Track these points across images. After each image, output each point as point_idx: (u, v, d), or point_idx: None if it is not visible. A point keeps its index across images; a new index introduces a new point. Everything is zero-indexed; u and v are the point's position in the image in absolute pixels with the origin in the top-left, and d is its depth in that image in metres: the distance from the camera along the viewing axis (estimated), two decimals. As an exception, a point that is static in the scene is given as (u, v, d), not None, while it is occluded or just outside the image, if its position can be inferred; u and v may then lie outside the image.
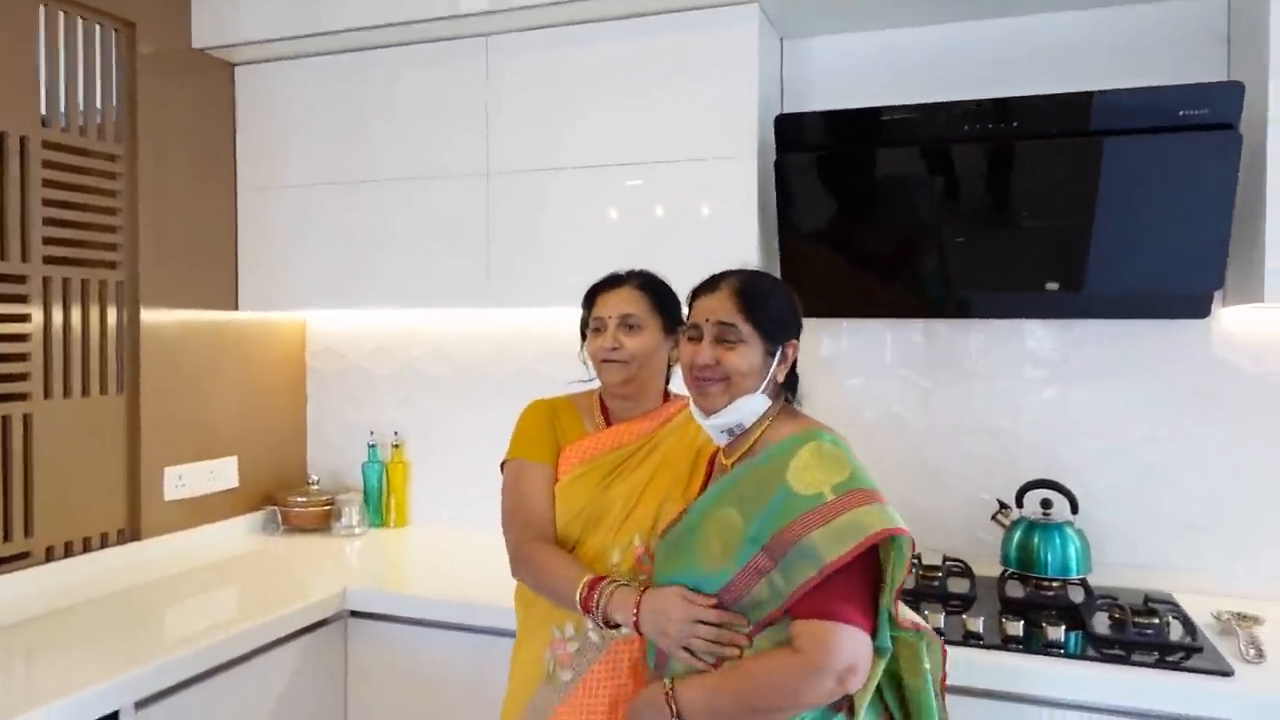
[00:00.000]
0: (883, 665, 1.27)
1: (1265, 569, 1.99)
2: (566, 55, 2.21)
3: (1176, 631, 1.72)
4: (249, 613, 1.88)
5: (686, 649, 1.30)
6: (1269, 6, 1.73)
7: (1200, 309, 1.94)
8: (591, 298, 1.61)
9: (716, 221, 2.10)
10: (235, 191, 2.56)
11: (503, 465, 1.64)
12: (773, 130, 2.07)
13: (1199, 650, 1.65)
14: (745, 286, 1.36)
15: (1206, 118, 1.74)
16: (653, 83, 2.14)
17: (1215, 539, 2.03)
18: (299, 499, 2.61)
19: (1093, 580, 1.96)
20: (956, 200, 1.96)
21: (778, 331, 1.35)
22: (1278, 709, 1.49)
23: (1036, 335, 2.16)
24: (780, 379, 1.37)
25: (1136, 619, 1.73)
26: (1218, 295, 1.95)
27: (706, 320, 1.35)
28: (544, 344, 2.57)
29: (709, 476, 1.48)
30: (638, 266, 1.62)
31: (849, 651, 1.19)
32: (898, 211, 2.01)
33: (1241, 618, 1.79)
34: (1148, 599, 1.84)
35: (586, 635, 1.49)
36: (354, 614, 2.07)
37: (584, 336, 1.62)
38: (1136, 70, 2.06)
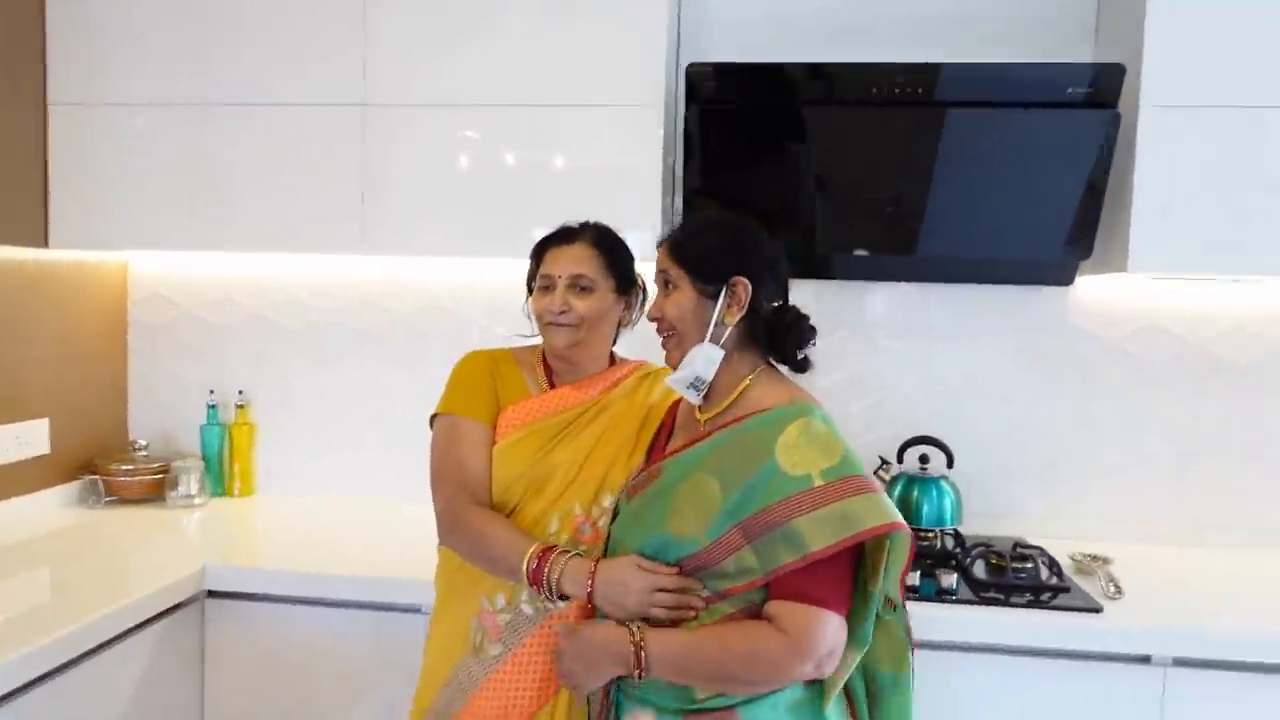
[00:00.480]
0: (860, 656, 1.25)
1: (1107, 513, 2.20)
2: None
3: (1045, 574, 1.86)
4: (84, 600, 1.61)
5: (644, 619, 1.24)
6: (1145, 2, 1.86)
7: (1067, 277, 2.09)
8: (540, 251, 1.48)
9: (619, 171, 2.01)
10: (45, 108, 2.17)
11: (432, 419, 1.50)
12: (674, 79, 2.01)
13: (1067, 590, 1.80)
14: (674, 230, 1.31)
15: (1090, 96, 1.86)
16: (557, 19, 2.01)
17: (1065, 488, 2.22)
18: (125, 466, 2.30)
19: (962, 530, 2.09)
20: (846, 162, 1.99)
21: (711, 269, 1.27)
22: (1142, 639, 1.65)
23: (912, 298, 2.26)
24: (731, 321, 1.27)
25: (1013, 564, 1.86)
26: (1082, 264, 2.10)
27: (658, 275, 1.31)
28: (420, 296, 2.39)
29: (670, 431, 1.42)
30: (590, 218, 1.51)
31: (831, 637, 1.17)
32: (792, 171, 2.02)
33: (1094, 558, 1.97)
34: (1017, 545, 1.98)
35: (519, 607, 1.39)
36: (211, 594, 1.85)
37: (530, 290, 1.50)
38: (1013, 45, 2.16)
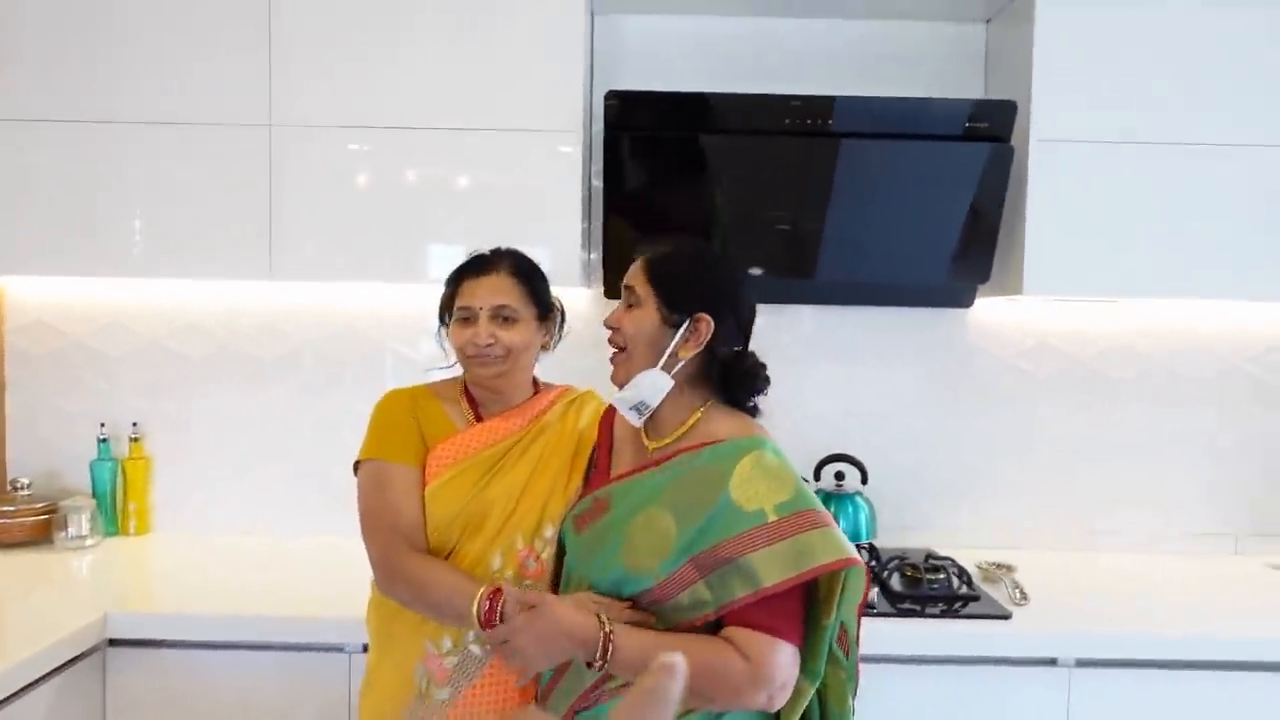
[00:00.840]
0: (813, 689, 1.26)
1: (1007, 522, 2.33)
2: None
3: (956, 584, 1.95)
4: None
5: None
6: (1031, 39, 1.99)
7: (967, 300, 2.21)
8: (456, 281, 1.45)
9: (536, 197, 2.01)
10: (-90, 122, 2.01)
11: (356, 466, 1.45)
12: (589, 105, 2.03)
13: (976, 598, 1.89)
14: (654, 251, 1.32)
15: (984, 131, 1.98)
16: (472, 42, 1.99)
17: (968, 499, 2.34)
18: (5, 508, 2.14)
19: (876, 544, 2.17)
20: (749, 189, 2.04)
21: (680, 298, 1.28)
22: (1049, 642, 1.75)
23: (822, 320, 2.33)
24: (685, 355, 1.28)
25: (927, 575, 1.94)
26: (980, 287, 2.22)
27: (623, 286, 1.32)
28: (326, 322, 2.32)
29: (608, 449, 1.41)
30: (503, 245, 1.49)
31: (786, 668, 1.19)
32: (705, 197, 2.06)
33: (999, 566, 2.08)
34: (928, 556, 2.06)
35: (467, 648, 1.36)
36: (113, 643, 1.73)
37: (443, 320, 1.47)
38: (907, 80, 2.27)
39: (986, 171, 1.99)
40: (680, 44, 2.29)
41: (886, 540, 2.25)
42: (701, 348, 1.29)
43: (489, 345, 1.39)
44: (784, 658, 1.18)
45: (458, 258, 2.00)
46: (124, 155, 2.01)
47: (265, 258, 2.02)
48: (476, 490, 1.39)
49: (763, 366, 1.34)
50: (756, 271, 2.12)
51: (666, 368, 1.29)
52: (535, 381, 1.54)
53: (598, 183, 2.21)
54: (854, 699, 1.29)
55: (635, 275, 1.32)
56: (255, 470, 2.33)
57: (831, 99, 1.97)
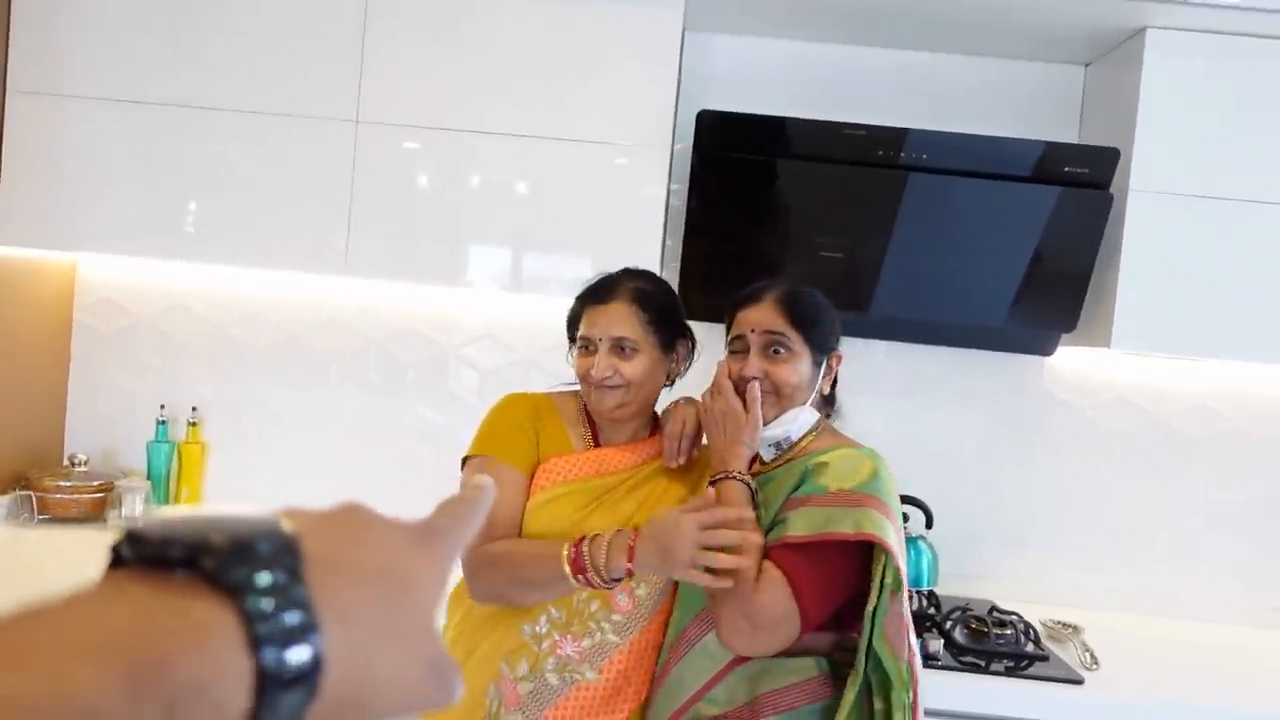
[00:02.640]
0: (854, 690, 1.22)
1: (1072, 580, 2.25)
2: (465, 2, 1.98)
3: (1022, 641, 1.88)
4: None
5: (705, 570, 1.16)
6: (1138, 86, 1.94)
7: (1049, 348, 2.14)
8: (581, 305, 1.40)
9: (617, 212, 1.98)
10: (3, 95, 2.02)
11: (464, 461, 1.40)
12: (678, 121, 2.00)
13: (1045, 659, 1.82)
14: (791, 295, 1.32)
15: (1085, 176, 1.92)
16: (565, 51, 1.97)
17: (1031, 553, 2.27)
18: (62, 483, 2.13)
19: (936, 591, 2.11)
20: (848, 219, 2.01)
21: (824, 341, 1.34)
22: (1122, 712, 1.68)
23: (901, 356, 2.28)
24: (825, 390, 1.36)
25: (994, 629, 1.87)
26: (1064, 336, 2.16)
27: (752, 331, 1.31)
28: (393, 323, 2.30)
29: None
30: (633, 264, 1.43)
31: (780, 614, 1.17)
32: (793, 224, 2.03)
33: (1064, 625, 2.01)
34: (993, 610, 2.00)
35: (544, 675, 1.30)
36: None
37: (572, 338, 1.42)
38: (999, 118, 2.23)
39: (1082, 219, 1.94)
40: (769, 67, 2.26)
41: (946, 588, 2.19)
42: (835, 381, 1.37)
43: (607, 378, 1.34)
44: (781, 602, 1.17)
45: (536, 268, 2.02)
46: (205, 140, 2.00)
47: (342, 253, 2.00)
48: (579, 515, 1.33)
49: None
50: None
51: (813, 403, 1.34)
52: (655, 416, 1.48)
53: (675, 202, 2.18)
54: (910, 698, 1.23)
55: (776, 321, 1.30)
56: (310, 466, 2.32)
57: (932, 134, 1.93)
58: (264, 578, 0.32)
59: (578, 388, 1.43)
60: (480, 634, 1.34)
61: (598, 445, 1.41)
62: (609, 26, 1.97)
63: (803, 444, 1.34)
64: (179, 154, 2.01)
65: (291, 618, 0.32)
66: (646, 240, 1.98)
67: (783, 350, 1.30)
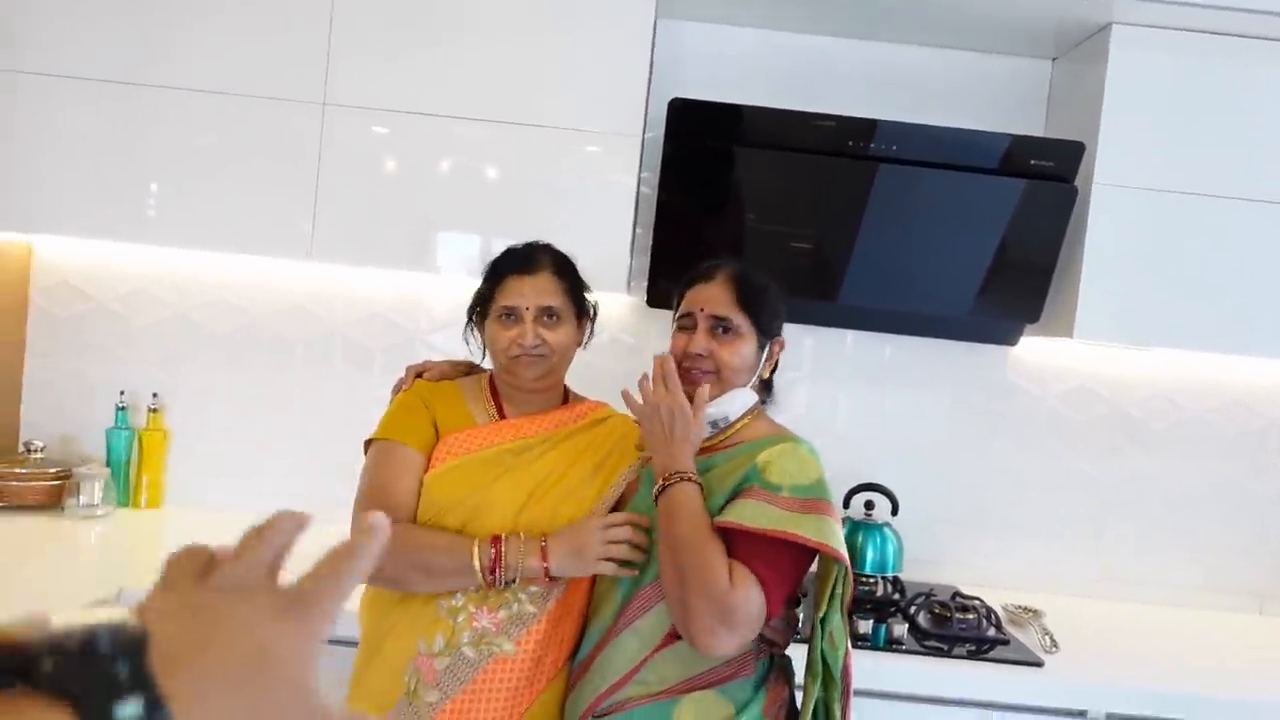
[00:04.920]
0: (816, 686, 1.28)
1: (1032, 565, 2.30)
2: (434, -14, 1.95)
3: (984, 625, 1.92)
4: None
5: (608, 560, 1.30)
6: (1103, 80, 1.97)
7: (1012, 338, 2.18)
8: (497, 278, 1.41)
9: (587, 199, 1.98)
10: (-44, 70, 1.96)
11: (366, 446, 1.42)
12: (650, 110, 2.00)
13: (1006, 642, 1.86)
14: (743, 277, 1.33)
15: (1050, 169, 1.95)
16: (537, 35, 1.95)
17: (992, 539, 2.31)
18: (19, 470, 2.09)
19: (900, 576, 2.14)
20: (818, 209, 2.02)
21: (770, 326, 1.35)
22: (1080, 694, 1.72)
23: (867, 344, 2.30)
24: (766, 375, 1.38)
25: (956, 614, 1.91)
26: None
27: (701, 310, 1.32)
28: (358, 309, 2.28)
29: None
30: (539, 239, 1.46)
31: (753, 610, 1.19)
32: (763, 213, 2.03)
33: (1025, 610, 2.05)
34: (956, 595, 2.03)
35: (459, 650, 1.31)
36: (126, 620, 1.69)
37: (471, 316, 1.45)
38: (964, 111, 2.24)
39: (1047, 211, 1.96)
40: (741, 56, 2.26)
41: (910, 574, 2.22)
42: (774, 366, 1.38)
43: (536, 346, 1.36)
44: (755, 599, 1.19)
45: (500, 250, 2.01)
46: (167, 121, 1.96)
47: (307, 238, 1.97)
48: (480, 484, 1.35)
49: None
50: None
51: (753, 386, 1.36)
52: (566, 390, 1.52)
53: (646, 190, 2.17)
54: (841, 707, 1.30)
55: (724, 303, 1.32)
56: (272, 452, 2.29)
57: (902, 125, 1.95)
58: (102, 677, 0.31)
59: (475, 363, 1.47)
60: (396, 613, 1.34)
61: (503, 418, 1.43)
62: (581, 12, 1.95)
63: (738, 426, 1.35)
64: (140, 134, 1.97)
65: (130, 710, 0.31)
66: (616, 228, 1.98)
67: (729, 332, 1.32)
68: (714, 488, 1.29)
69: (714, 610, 1.18)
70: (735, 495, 1.26)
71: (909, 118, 2.06)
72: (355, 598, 1.42)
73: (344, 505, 2.16)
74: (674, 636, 1.27)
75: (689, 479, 1.26)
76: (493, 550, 1.27)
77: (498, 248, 1.97)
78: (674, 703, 1.26)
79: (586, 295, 1.47)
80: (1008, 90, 2.26)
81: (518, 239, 2.00)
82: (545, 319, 1.38)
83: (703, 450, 1.33)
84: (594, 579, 1.40)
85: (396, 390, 1.50)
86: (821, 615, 1.28)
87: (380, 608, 1.37)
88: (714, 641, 1.20)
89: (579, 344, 1.47)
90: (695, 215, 2.04)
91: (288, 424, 2.29)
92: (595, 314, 1.50)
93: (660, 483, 1.27)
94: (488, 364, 1.48)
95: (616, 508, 1.41)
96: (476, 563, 1.27)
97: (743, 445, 1.32)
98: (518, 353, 1.37)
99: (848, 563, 1.25)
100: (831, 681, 1.29)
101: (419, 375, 1.50)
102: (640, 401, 1.31)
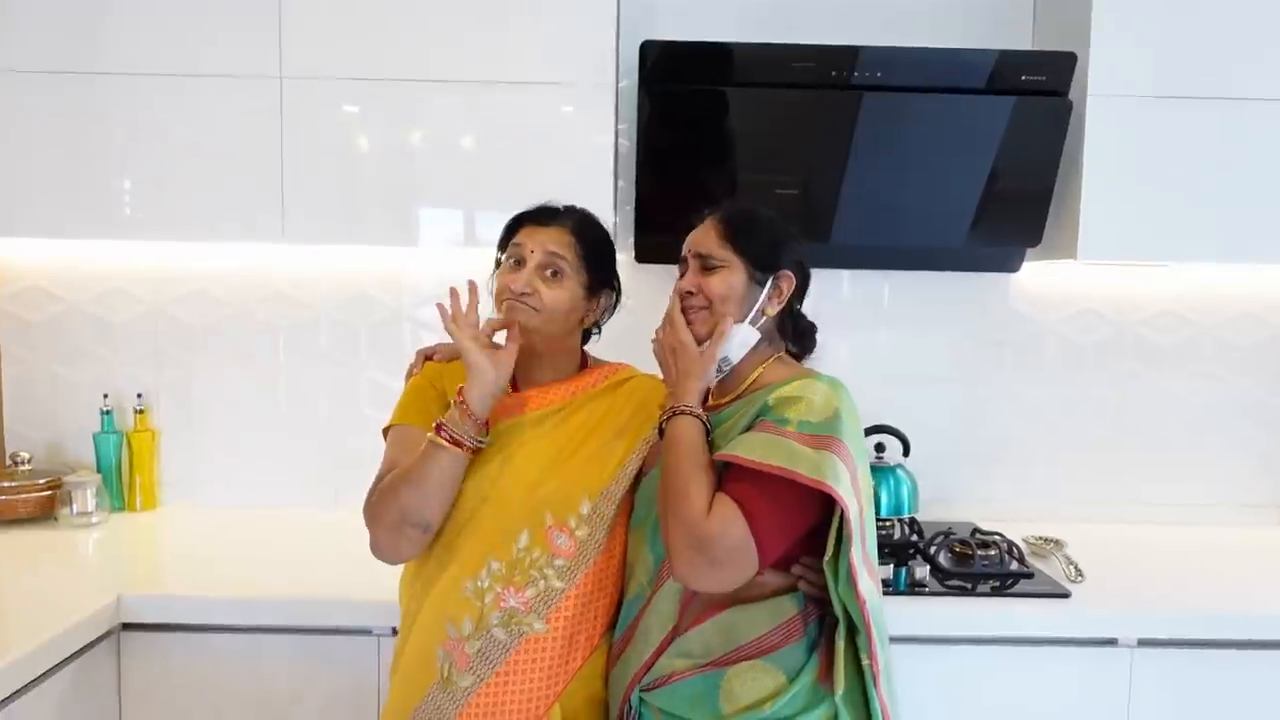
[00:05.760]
0: (841, 636, 1.22)
1: (1050, 494, 2.25)
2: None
3: (1007, 560, 1.87)
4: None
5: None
6: (1091, -15, 1.88)
7: (1014, 265, 2.11)
8: (516, 224, 1.36)
9: (563, 155, 1.89)
10: (-107, 73, 1.87)
11: (384, 431, 1.39)
12: (620, 56, 1.91)
13: (1030, 575, 1.81)
14: (728, 214, 1.30)
15: (1043, 84, 1.86)
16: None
17: (1008, 472, 2.26)
18: (6, 483, 2.03)
19: (917, 517, 2.09)
20: (804, 146, 1.94)
21: (763, 257, 1.28)
22: (1109, 622, 1.67)
23: (865, 283, 2.23)
24: (771, 312, 1.29)
25: (978, 551, 1.86)
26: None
27: (690, 253, 1.30)
28: (339, 288, 2.21)
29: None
30: (574, 203, 1.40)
31: (733, 541, 1.14)
32: (747, 155, 1.95)
33: (1047, 540, 2.00)
34: (975, 531, 1.99)
35: (489, 632, 1.27)
36: (127, 627, 1.64)
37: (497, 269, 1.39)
38: (951, 31, 2.15)
39: (1041, 128, 1.88)
40: (712, -7, 2.16)
41: (927, 514, 2.17)
42: (784, 304, 1.30)
43: (525, 294, 1.30)
44: (734, 531, 1.14)
45: (482, 220, 1.93)
46: (121, 109, 1.87)
47: (277, 219, 1.90)
48: (499, 460, 1.31)
49: (814, 328, 1.38)
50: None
51: (756, 324, 1.28)
52: (585, 357, 1.45)
53: (624, 141, 2.09)
54: (869, 658, 1.22)
55: (708, 240, 1.29)
56: (267, 443, 2.23)
57: (885, 49, 1.87)
58: None
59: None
60: (421, 598, 1.31)
61: (516, 392, 1.38)
62: (540, -43, 1.85)
63: (755, 375, 1.30)
64: (95, 125, 1.88)
65: None
66: (597, 185, 1.89)
67: (714, 263, 1.28)
68: (729, 433, 1.24)
69: (688, 537, 1.14)
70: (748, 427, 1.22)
71: (890, 42, 1.97)
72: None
73: (342, 489, 2.16)
74: (717, 606, 1.23)
75: (687, 412, 1.22)
76: (435, 431, 1.26)
77: (478, 216, 1.93)
78: (720, 674, 1.21)
79: (611, 274, 1.41)
80: (991, 5, 2.17)
81: (496, 203, 1.95)
82: (547, 273, 1.32)
83: (722, 402, 1.31)
84: (623, 549, 1.35)
85: (409, 376, 1.47)
86: (827, 558, 1.20)
87: (410, 589, 1.35)
88: (694, 573, 1.16)
89: (583, 317, 1.39)
90: (677, 163, 1.96)
91: (278, 411, 2.23)
92: (618, 296, 1.43)
93: (660, 420, 1.26)
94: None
95: (643, 472, 1.36)
96: (435, 439, 1.25)
97: (760, 391, 1.26)
98: (509, 296, 1.31)
99: (844, 504, 1.15)
100: (857, 632, 1.22)
101: (428, 358, 1.47)
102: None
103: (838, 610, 1.22)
